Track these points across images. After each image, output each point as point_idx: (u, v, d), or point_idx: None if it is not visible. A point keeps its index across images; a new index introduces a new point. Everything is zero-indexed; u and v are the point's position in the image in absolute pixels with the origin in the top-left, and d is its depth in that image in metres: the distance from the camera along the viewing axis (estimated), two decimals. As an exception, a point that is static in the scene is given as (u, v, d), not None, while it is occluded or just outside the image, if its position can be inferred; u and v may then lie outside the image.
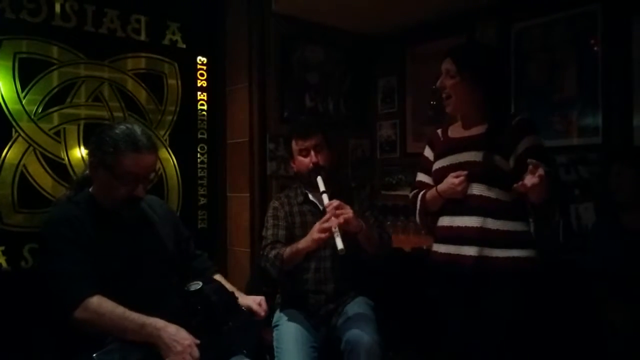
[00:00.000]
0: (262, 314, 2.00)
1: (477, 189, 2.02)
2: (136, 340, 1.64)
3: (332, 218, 2.12)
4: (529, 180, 1.73)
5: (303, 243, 2.23)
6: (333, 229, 2.09)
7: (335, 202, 2.19)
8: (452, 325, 2.11)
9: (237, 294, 2.06)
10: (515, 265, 1.96)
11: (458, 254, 2.03)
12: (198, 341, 1.65)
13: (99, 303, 1.66)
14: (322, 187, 2.31)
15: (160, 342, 1.63)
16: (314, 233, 2.16)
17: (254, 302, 2.01)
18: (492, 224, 1.98)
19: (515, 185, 1.78)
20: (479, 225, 1.99)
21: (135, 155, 1.76)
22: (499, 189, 1.99)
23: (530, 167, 1.74)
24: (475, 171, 2.01)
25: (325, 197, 2.26)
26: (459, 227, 2.05)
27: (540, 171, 1.71)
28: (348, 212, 2.18)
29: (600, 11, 2.90)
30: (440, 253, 2.13)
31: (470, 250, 1.99)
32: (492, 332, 1.97)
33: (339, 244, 2.05)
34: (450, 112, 2.15)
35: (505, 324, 1.96)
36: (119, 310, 1.65)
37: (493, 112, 2.09)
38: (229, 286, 2.09)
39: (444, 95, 2.12)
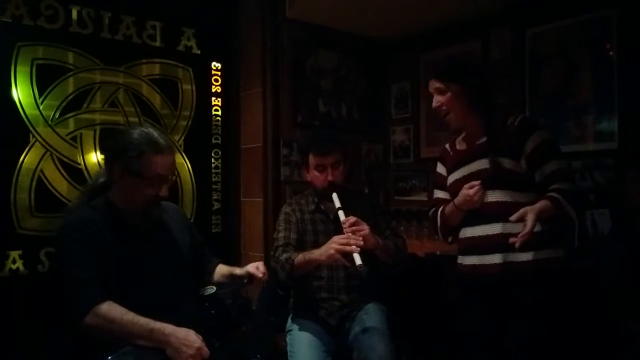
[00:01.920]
0: (260, 275, 2.00)
1: (493, 196, 2.02)
2: (146, 345, 1.65)
3: (353, 244, 2.07)
4: (518, 240, 1.81)
5: (316, 255, 2.21)
6: (354, 254, 2.06)
7: (352, 219, 2.19)
8: (479, 335, 2.09)
9: (237, 269, 2.09)
10: (544, 265, 1.96)
11: (483, 264, 2.03)
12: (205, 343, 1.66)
13: (109, 309, 1.67)
14: (337, 204, 2.29)
15: (170, 346, 1.64)
16: (330, 250, 2.12)
17: (252, 267, 2.03)
18: (512, 228, 1.96)
19: (511, 239, 1.84)
20: (500, 232, 1.99)
21: (159, 156, 1.80)
22: (515, 192, 1.99)
23: (515, 218, 1.83)
24: (487, 179, 2.01)
25: (341, 213, 2.24)
26: (480, 237, 2.05)
27: (527, 227, 1.79)
28: (365, 229, 2.18)
29: (615, 15, 2.88)
30: (466, 265, 2.13)
31: (494, 258, 1.99)
32: (526, 338, 1.96)
33: (357, 260, 2.03)
34: (453, 126, 2.18)
35: (539, 328, 1.95)
36: (128, 316, 1.67)
37: (488, 117, 2.11)
38: (228, 268, 2.13)
39: (442, 114, 2.14)
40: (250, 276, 2.02)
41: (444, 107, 2.12)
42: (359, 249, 2.06)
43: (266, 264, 3.22)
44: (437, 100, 2.14)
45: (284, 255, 2.34)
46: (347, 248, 2.07)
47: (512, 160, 2.00)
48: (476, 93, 2.10)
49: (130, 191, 1.83)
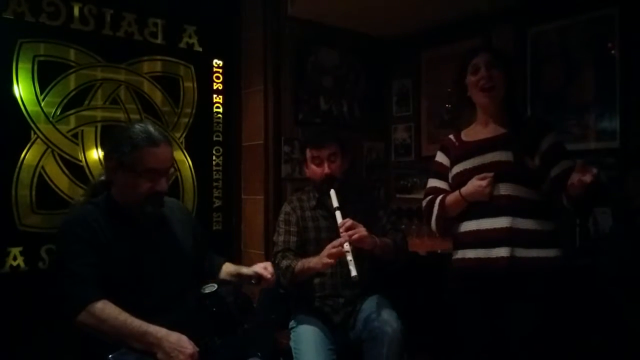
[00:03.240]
0: (269, 276, 2.00)
1: (504, 189, 2.00)
2: (138, 348, 1.64)
3: (343, 242, 2.11)
4: (581, 179, 1.73)
5: (314, 263, 2.24)
6: (347, 258, 2.08)
7: (348, 222, 2.19)
8: (479, 330, 2.09)
9: (245, 268, 2.09)
10: (548, 264, 1.96)
11: (488, 257, 2.01)
12: (197, 349, 1.65)
13: (102, 308, 1.66)
14: (335, 203, 2.30)
15: (161, 350, 1.62)
16: (324, 257, 2.16)
17: (259, 267, 2.02)
18: (521, 223, 1.97)
19: (571, 181, 1.77)
20: (508, 226, 1.97)
21: (154, 149, 1.79)
22: (526, 188, 1.98)
23: (578, 167, 1.75)
24: (502, 171, 2.00)
25: (338, 214, 2.25)
26: (487, 230, 2.02)
27: (593, 170, 1.72)
28: (361, 231, 2.19)
29: (617, 14, 2.87)
30: (469, 259, 2.09)
31: (501, 252, 1.97)
32: (526, 335, 1.96)
33: (353, 271, 2.05)
34: (488, 104, 2.10)
35: (540, 325, 1.95)
36: (122, 317, 1.66)
37: (514, 110, 2.10)
38: (235, 267, 2.13)
39: (488, 86, 2.06)
40: (259, 277, 2.01)
41: (493, 81, 2.05)
42: (350, 255, 2.08)
43: (266, 261, 3.25)
44: (488, 72, 2.06)
45: (284, 263, 2.35)
46: (340, 250, 2.12)
47: (528, 157, 1.99)
48: (513, 85, 2.11)
49: (126, 187, 1.83)
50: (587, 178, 1.73)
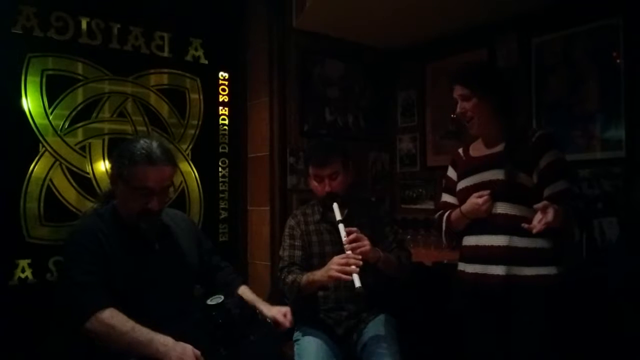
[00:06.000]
0: (288, 324, 2.01)
1: (501, 208, 2.02)
2: (144, 356, 1.65)
3: (352, 264, 2.08)
4: (537, 225, 1.78)
5: (319, 275, 2.22)
6: (354, 275, 2.07)
7: (352, 235, 2.19)
8: (480, 344, 2.09)
9: (263, 305, 2.08)
10: (544, 282, 1.95)
11: (485, 274, 2.03)
12: None
13: (110, 316, 1.68)
14: (338, 216, 2.29)
15: (167, 359, 1.63)
16: (331, 270, 2.13)
17: (279, 312, 2.02)
18: (518, 242, 1.98)
19: (523, 224, 1.83)
20: (505, 245, 1.99)
21: (149, 167, 1.79)
22: (523, 206, 1.98)
23: (541, 206, 1.78)
24: (498, 190, 2.00)
25: (341, 227, 2.24)
26: (485, 247, 2.05)
27: (549, 217, 1.75)
28: (365, 244, 2.18)
29: (621, 24, 2.87)
30: (467, 273, 2.12)
31: (497, 270, 1.99)
32: (522, 351, 1.96)
33: (357, 282, 2.04)
34: (475, 133, 2.17)
35: (536, 342, 1.95)
36: (129, 324, 1.67)
37: (509, 128, 2.10)
38: (253, 297, 2.12)
39: (466, 119, 2.13)
40: (275, 320, 2.02)
41: (468, 113, 2.11)
42: (357, 269, 2.07)
43: (272, 272, 3.26)
44: (462, 106, 2.12)
45: (290, 278, 2.35)
46: (347, 269, 2.08)
47: (525, 175, 2.00)
48: (499, 99, 2.09)
49: (123, 199, 1.85)
50: (539, 227, 1.77)
